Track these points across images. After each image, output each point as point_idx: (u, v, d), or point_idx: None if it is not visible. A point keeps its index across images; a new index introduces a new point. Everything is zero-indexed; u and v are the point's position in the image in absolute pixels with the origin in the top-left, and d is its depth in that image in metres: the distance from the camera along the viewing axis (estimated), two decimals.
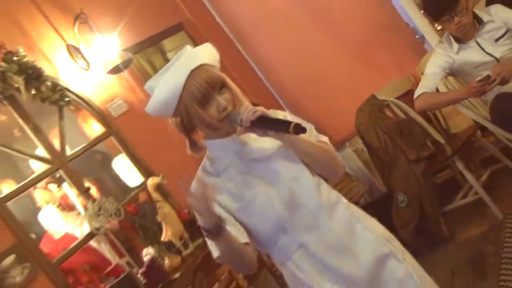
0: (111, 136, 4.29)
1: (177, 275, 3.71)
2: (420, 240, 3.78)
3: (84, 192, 3.88)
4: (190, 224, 4.06)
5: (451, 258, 3.55)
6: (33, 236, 3.92)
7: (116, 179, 4.48)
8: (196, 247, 3.95)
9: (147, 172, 4.28)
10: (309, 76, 5.25)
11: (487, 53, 3.29)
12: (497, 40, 3.29)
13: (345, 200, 1.73)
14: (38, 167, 4.06)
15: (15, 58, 3.63)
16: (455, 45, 3.35)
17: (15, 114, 3.78)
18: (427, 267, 1.75)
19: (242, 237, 1.59)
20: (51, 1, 4.25)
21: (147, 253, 3.89)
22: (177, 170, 4.20)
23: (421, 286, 1.64)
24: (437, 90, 3.48)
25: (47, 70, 3.91)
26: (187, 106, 1.55)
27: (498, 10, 3.31)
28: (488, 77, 3.06)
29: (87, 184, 4.00)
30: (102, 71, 4.33)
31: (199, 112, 1.55)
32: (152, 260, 3.73)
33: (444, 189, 4.12)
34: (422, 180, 3.78)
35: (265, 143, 1.64)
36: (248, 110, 1.53)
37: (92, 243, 4.01)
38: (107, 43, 4.29)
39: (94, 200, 3.82)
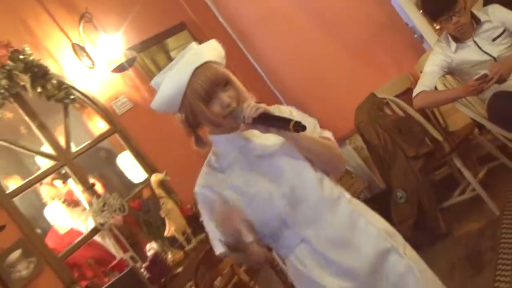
0: (116, 133, 4.31)
1: (180, 269, 3.73)
2: (418, 235, 3.75)
3: (89, 188, 3.91)
4: (192, 220, 4.06)
5: (448, 253, 3.55)
6: (39, 231, 3.94)
7: (120, 175, 4.50)
8: (199, 242, 3.96)
9: (150, 169, 4.30)
10: (310, 75, 5.26)
11: (485, 52, 3.30)
12: (494, 39, 3.29)
13: (348, 195, 1.72)
14: (44, 164, 4.08)
15: (21, 57, 3.65)
16: (453, 44, 3.36)
17: (21, 112, 3.80)
18: (425, 262, 1.75)
19: (247, 236, 1.59)
20: (57, 1, 4.27)
21: (151, 248, 3.92)
22: (180, 167, 4.23)
23: (422, 280, 1.64)
24: (436, 88, 3.48)
25: (53, 68, 3.93)
26: (191, 103, 1.56)
27: (496, 10, 3.32)
28: (485, 75, 3.08)
29: (92, 180, 4.04)
30: (107, 70, 4.35)
31: (203, 109, 1.56)
32: (156, 255, 3.74)
33: (442, 185, 4.13)
34: (420, 177, 3.78)
35: (268, 140, 1.64)
36: (250, 107, 1.53)
37: (97, 238, 4.01)
38: (112, 42, 4.31)
39: (98, 196, 3.84)
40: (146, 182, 4.22)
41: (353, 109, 4.07)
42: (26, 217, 3.59)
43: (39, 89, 3.76)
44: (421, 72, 3.63)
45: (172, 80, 1.56)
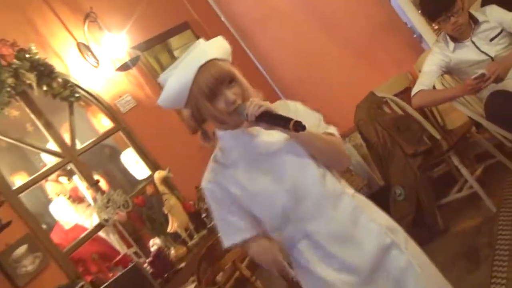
0: (120, 131, 4.35)
1: (182, 264, 3.76)
2: (417, 232, 3.66)
3: (94, 184, 3.94)
4: (195, 216, 4.12)
5: (446, 249, 3.54)
6: (44, 226, 3.97)
7: (124, 172, 4.53)
8: (201, 238, 3.99)
9: (154, 166, 4.33)
10: (310, 73, 5.29)
11: (482, 52, 3.30)
12: (492, 39, 3.30)
13: (351, 191, 1.72)
14: (49, 160, 4.12)
15: (27, 56, 3.68)
16: (451, 44, 3.36)
17: (27, 110, 3.83)
18: None
19: (249, 232, 1.65)
20: (62, 0, 4.30)
21: (154, 243, 3.95)
22: (183, 164, 4.27)
23: (422, 275, 1.65)
24: (434, 87, 3.48)
25: (58, 67, 3.96)
26: (197, 100, 1.57)
27: (493, 11, 3.32)
28: (483, 75, 3.09)
29: (96, 176, 4.07)
30: (111, 68, 4.39)
31: (208, 107, 1.56)
32: (159, 250, 3.78)
33: (440, 183, 4.10)
34: (418, 174, 3.76)
35: (273, 136, 1.63)
36: (253, 105, 1.52)
37: (101, 233, 4.05)
38: (116, 41, 4.35)
39: (103, 192, 3.88)
40: (150, 179, 4.24)
41: (352, 107, 4.06)
42: (32, 213, 3.62)
43: (44, 88, 3.79)
44: (419, 71, 3.63)
45: (178, 78, 1.57)
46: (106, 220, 3.75)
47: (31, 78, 3.69)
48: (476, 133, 4.01)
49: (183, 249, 3.95)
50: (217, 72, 1.56)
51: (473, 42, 3.34)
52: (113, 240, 4.10)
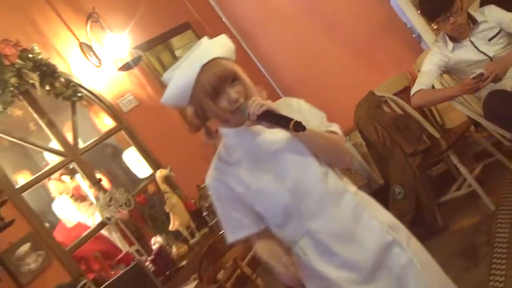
0: (122, 130, 4.37)
1: (184, 262, 3.79)
2: (416, 230, 3.72)
3: (96, 183, 3.96)
4: (196, 214, 4.14)
5: (445, 247, 3.53)
6: (47, 225, 3.98)
7: (126, 171, 4.56)
8: (202, 236, 4.02)
9: (155, 165, 4.36)
10: (311, 73, 5.30)
11: (481, 52, 3.31)
12: (490, 39, 3.30)
13: (353, 189, 1.72)
14: (52, 159, 4.14)
15: (30, 55, 3.71)
16: (450, 44, 3.37)
17: (30, 109, 3.86)
18: None
19: (252, 228, 1.67)
20: (65, 1, 4.33)
21: (156, 241, 3.99)
22: (184, 163, 4.29)
23: (422, 272, 1.65)
24: (433, 87, 3.49)
25: (61, 67, 3.98)
26: (200, 98, 1.57)
27: (492, 11, 3.33)
28: (481, 74, 3.09)
29: (98, 175, 4.09)
30: (113, 68, 4.41)
31: (210, 105, 1.56)
32: (160, 248, 3.81)
33: (439, 181, 4.10)
34: (418, 173, 3.76)
35: (275, 135, 1.63)
36: (255, 104, 1.52)
37: (103, 232, 4.06)
38: (118, 41, 4.37)
39: (105, 191, 3.89)
40: (151, 178, 4.27)
41: (352, 107, 4.06)
42: (35, 211, 3.65)
43: (47, 87, 3.82)
44: (419, 71, 3.63)
45: (181, 77, 1.57)
46: (108, 219, 3.77)
47: (34, 77, 3.71)
48: (475, 132, 4.01)
49: (185, 247, 3.98)
50: (220, 71, 1.55)
51: (471, 42, 3.35)
52: (115, 238, 4.10)
